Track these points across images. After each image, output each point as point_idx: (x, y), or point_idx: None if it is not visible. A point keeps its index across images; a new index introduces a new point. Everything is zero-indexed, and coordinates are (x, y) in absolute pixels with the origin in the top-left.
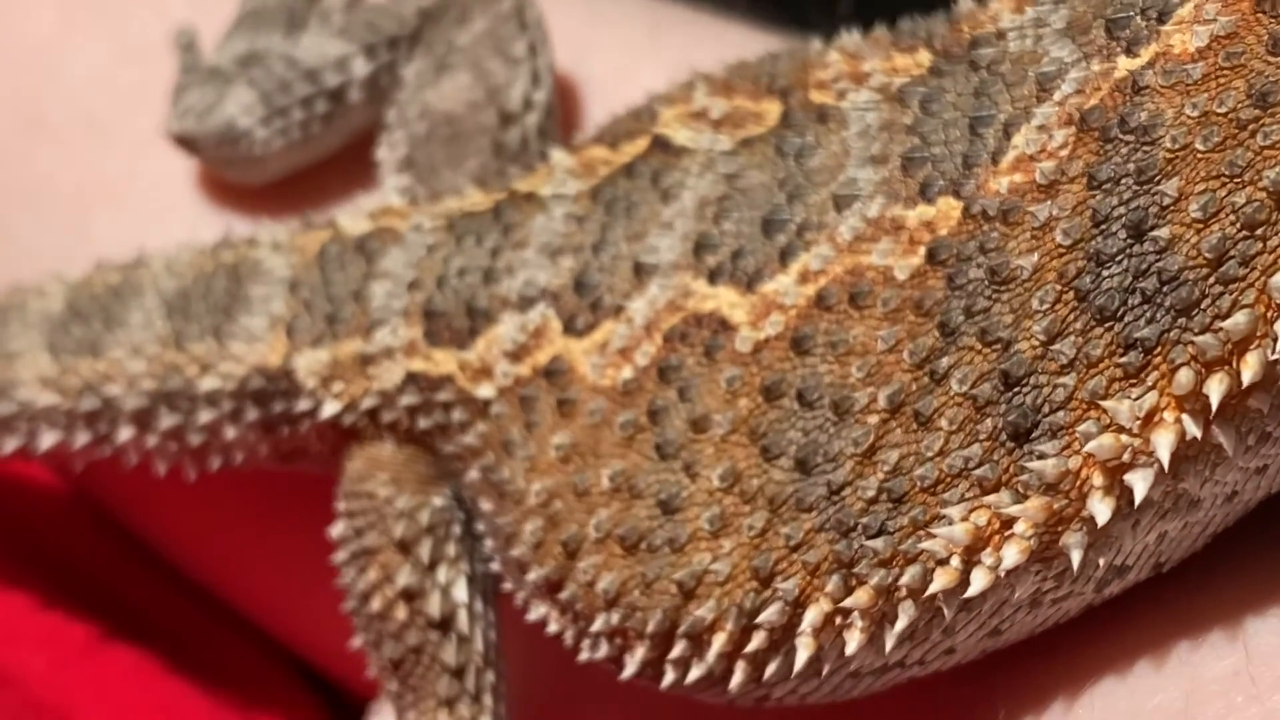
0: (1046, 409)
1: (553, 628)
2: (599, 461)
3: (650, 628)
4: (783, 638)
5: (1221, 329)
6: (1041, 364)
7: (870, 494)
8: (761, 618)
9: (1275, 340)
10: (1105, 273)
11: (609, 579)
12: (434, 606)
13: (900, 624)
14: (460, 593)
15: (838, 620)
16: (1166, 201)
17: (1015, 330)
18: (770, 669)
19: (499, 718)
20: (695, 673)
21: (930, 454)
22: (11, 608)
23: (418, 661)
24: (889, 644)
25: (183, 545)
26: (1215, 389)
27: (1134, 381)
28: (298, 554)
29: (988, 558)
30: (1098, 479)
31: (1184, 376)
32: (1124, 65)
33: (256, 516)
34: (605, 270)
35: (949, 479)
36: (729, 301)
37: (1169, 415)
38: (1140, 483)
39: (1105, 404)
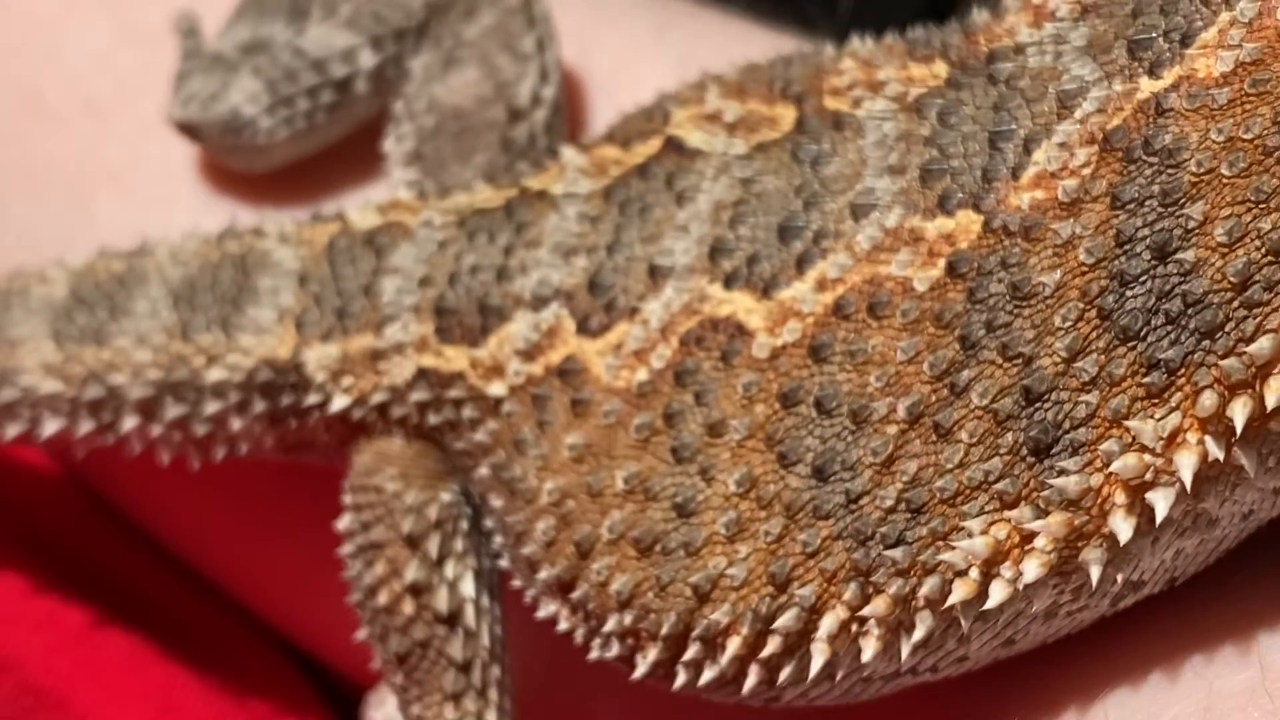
0: (1067, 425)
1: (563, 626)
2: (613, 463)
3: (664, 630)
4: (798, 643)
5: (1245, 353)
6: (1063, 380)
7: (889, 503)
8: (778, 623)
9: None
10: (1129, 293)
11: (622, 580)
12: (441, 601)
13: (918, 634)
14: (467, 588)
15: (854, 628)
16: (1191, 225)
17: (1037, 346)
18: (784, 673)
19: (504, 711)
20: (708, 675)
21: (950, 466)
22: (8, 591)
23: (424, 655)
24: (905, 652)
25: (178, 530)
26: (1239, 412)
27: (1156, 402)
28: (295, 542)
29: (1007, 571)
30: (1120, 497)
31: (1208, 399)
32: (1147, 86)
33: (255, 504)
34: (619, 271)
35: (969, 491)
36: (745, 307)
37: (1192, 436)
38: (1162, 501)
39: (1129, 423)
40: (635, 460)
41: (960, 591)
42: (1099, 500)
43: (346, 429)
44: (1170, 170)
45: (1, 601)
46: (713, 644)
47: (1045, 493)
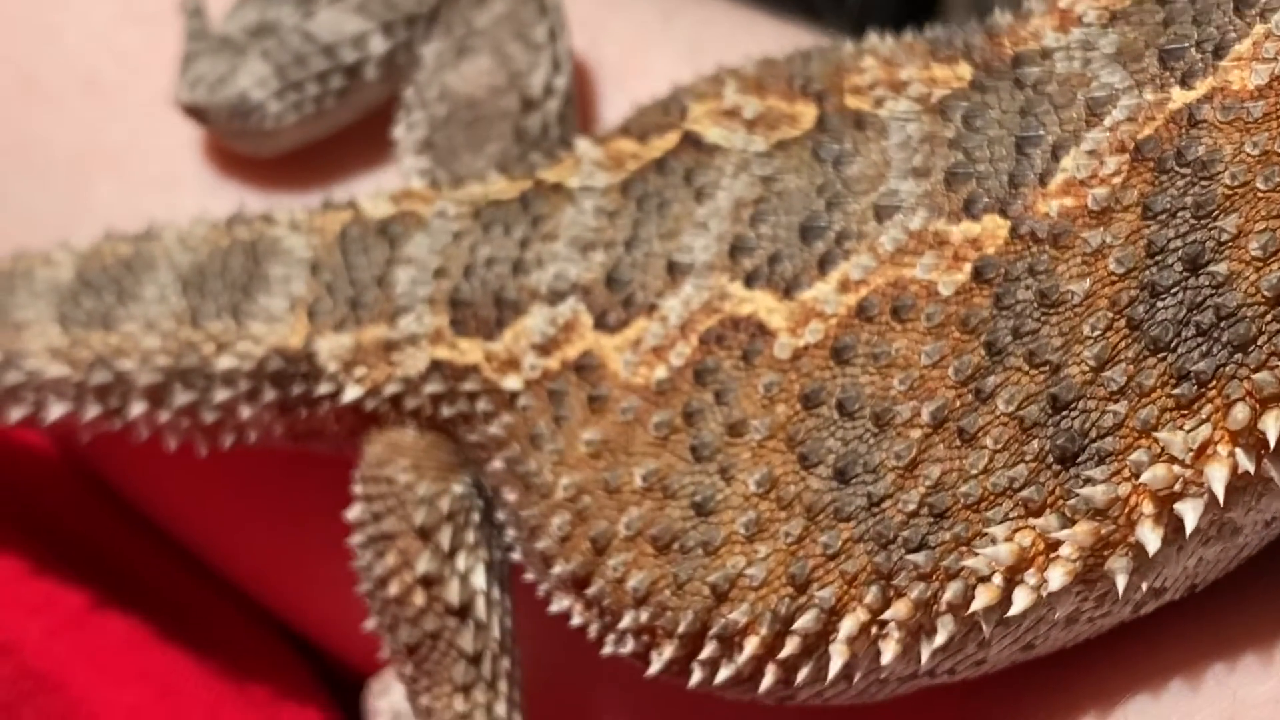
0: (1094, 434)
1: (576, 621)
2: (631, 460)
3: (681, 628)
4: (817, 644)
5: (1279, 366)
6: (1091, 389)
7: (911, 507)
8: (797, 624)
9: None
10: (1160, 304)
11: (639, 577)
12: (453, 593)
13: (939, 638)
14: (479, 580)
15: (874, 630)
16: (1225, 237)
17: (1065, 354)
18: (802, 674)
19: (513, 703)
20: (724, 673)
21: (974, 471)
22: (6, 574)
23: (434, 647)
24: (924, 656)
25: (179, 513)
26: (1272, 426)
27: (1186, 413)
28: (299, 527)
29: (1031, 578)
30: (1148, 507)
31: (1240, 412)
32: (1179, 97)
33: (259, 488)
34: (638, 267)
35: (993, 497)
36: (766, 306)
37: (1222, 449)
38: (1190, 512)
39: (1158, 434)
40: (654, 458)
41: (983, 598)
42: (1126, 510)
43: (358, 419)
44: (1204, 182)
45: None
46: (730, 643)
47: (1072, 501)
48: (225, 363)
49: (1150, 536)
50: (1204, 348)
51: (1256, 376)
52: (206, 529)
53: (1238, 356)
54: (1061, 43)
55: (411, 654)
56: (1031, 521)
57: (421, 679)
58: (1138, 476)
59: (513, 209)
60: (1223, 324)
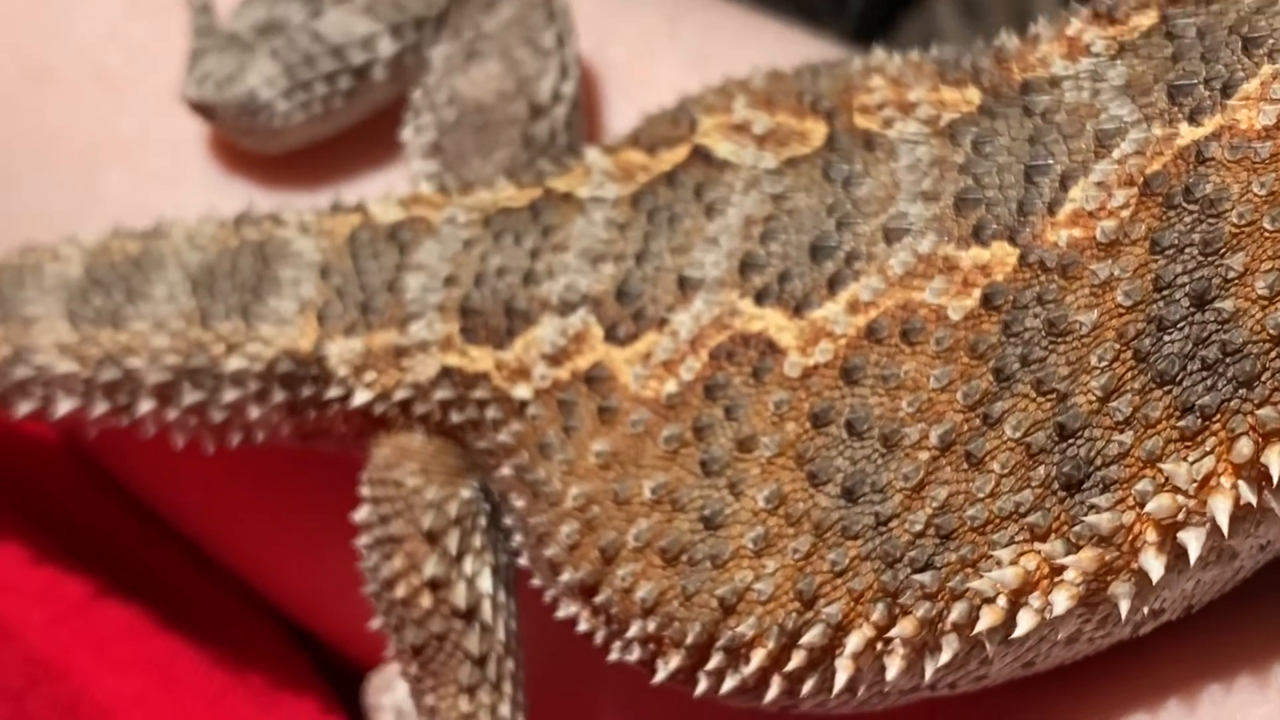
0: (1100, 462)
1: (583, 627)
2: (640, 472)
3: (688, 639)
4: (822, 659)
5: None
6: (1097, 419)
7: (918, 528)
8: (804, 639)
9: None
10: (1166, 337)
11: (647, 588)
12: (459, 597)
13: (943, 656)
14: (485, 583)
15: (879, 647)
16: (1231, 275)
17: (1072, 383)
18: (807, 686)
19: (518, 704)
20: (729, 684)
21: (981, 495)
22: (9, 561)
23: (440, 648)
24: (928, 672)
25: (183, 504)
26: (1275, 460)
27: (1190, 445)
28: (303, 520)
29: (1035, 601)
30: (1151, 535)
31: (1244, 446)
32: (1187, 133)
33: (264, 481)
34: (648, 280)
35: (999, 521)
36: (777, 324)
37: (1226, 481)
38: (1193, 541)
39: (1163, 465)
40: (663, 471)
41: (988, 619)
42: (1130, 538)
43: (366, 422)
44: (1211, 220)
45: (3, 571)
46: (737, 655)
47: (1077, 528)
48: (234, 363)
49: (1153, 564)
50: (1209, 382)
51: (1260, 412)
52: (209, 519)
53: (1242, 391)
54: (1070, 71)
55: (417, 655)
56: (1037, 546)
57: (427, 679)
58: (1142, 505)
59: (523, 218)
60: (1228, 359)
